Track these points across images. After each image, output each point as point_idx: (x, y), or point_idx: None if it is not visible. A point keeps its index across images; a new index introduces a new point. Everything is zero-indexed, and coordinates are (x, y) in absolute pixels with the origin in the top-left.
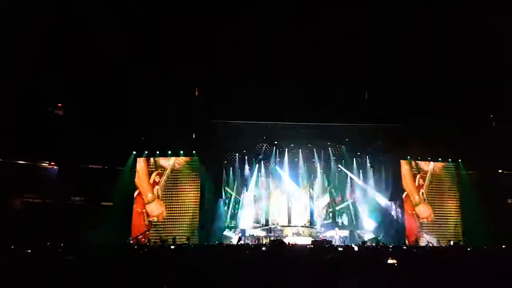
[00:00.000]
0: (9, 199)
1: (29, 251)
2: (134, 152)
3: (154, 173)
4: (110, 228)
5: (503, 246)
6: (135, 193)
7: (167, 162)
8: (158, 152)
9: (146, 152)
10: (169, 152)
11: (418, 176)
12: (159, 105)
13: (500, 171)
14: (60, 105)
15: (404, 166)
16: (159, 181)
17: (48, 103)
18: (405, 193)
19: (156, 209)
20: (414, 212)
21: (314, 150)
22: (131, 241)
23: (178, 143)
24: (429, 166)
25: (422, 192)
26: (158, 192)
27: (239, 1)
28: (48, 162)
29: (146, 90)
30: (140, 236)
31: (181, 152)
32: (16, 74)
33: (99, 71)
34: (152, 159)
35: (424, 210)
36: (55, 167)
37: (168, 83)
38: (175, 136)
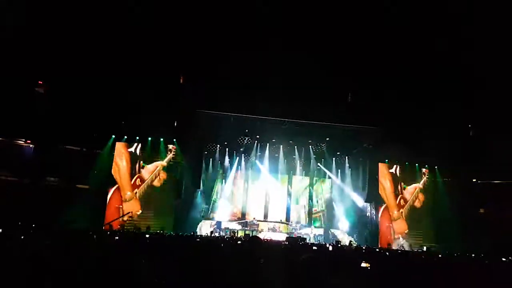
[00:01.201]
0: None
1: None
2: (113, 136)
3: (136, 176)
4: (84, 211)
5: (473, 255)
6: (114, 187)
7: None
8: (137, 138)
9: (126, 137)
10: (149, 138)
11: (399, 196)
12: (141, 90)
13: (474, 180)
14: (41, 83)
15: (383, 170)
16: (140, 184)
17: (30, 81)
18: (384, 204)
19: (132, 207)
20: (391, 224)
21: (295, 147)
22: (104, 227)
23: (159, 130)
24: (414, 190)
25: (402, 212)
26: (137, 194)
27: None
28: (24, 140)
29: (130, 74)
30: (114, 221)
31: (161, 139)
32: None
33: (84, 51)
34: (138, 163)
35: (400, 226)
36: (30, 145)
37: (154, 68)
38: (156, 122)
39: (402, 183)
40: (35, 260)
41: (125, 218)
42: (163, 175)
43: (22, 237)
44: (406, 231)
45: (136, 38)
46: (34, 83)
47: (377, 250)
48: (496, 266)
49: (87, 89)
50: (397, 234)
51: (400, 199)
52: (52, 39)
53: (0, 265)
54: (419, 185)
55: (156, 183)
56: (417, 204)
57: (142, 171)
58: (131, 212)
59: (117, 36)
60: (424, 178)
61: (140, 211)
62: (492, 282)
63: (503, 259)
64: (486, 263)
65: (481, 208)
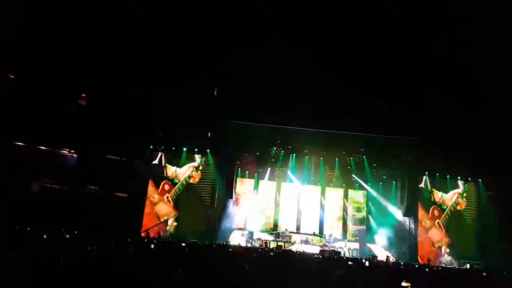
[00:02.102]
0: (28, 182)
1: (45, 236)
2: (151, 147)
3: (163, 182)
4: (123, 218)
5: None
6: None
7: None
8: (173, 148)
9: (162, 147)
10: (184, 149)
11: (432, 207)
12: (177, 102)
13: None
14: (84, 95)
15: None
16: (169, 189)
17: (74, 93)
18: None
19: (163, 209)
20: (427, 235)
21: (329, 158)
22: (142, 234)
23: (193, 141)
24: (453, 196)
25: (438, 222)
26: (169, 197)
27: None
28: (68, 149)
29: (166, 85)
30: (151, 229)
31: (196, 150)
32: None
33: (123, 62)
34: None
35: (436, 234)
36: (74, 155)
37: (188, 81)
38: (191, 133)
39: (441, 192)
40: (76, 265)
41: (162, 225)
42: (198, 175)
43: (66, 242)
44: (443, 239)
45: (172, 49)
46: (77, 95)
47: (416, 266)
48: None
49: (126, 100)
50: (437, 244)
51: (432, 210)
52: (94, 52)
53: (41, 268)
54: (459, 190)
55: (192, 181)
56: (458, 207)
57: (171, 172)
58: (167, 218)
59: (152, 47)
60: (461, 187)
61: (174, 213)
62: None
63: None
64: None
65: None
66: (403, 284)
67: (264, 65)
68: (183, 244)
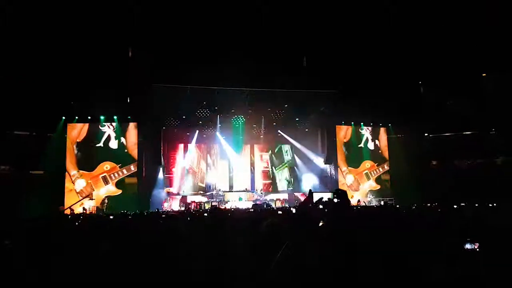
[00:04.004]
0: None
1: None
2: (64, 118)
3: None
4: (41, 199)
5: (428, 205)
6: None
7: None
8: (89, 118)
9: (77, 117)
10: (102, 117)
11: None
12: (90, 67)
13: (426, 134)
14: None
15: (339, 132)
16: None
17: None
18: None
19: (91, 189)
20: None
21: (255, 115)
22: (64, 211)
23: (111, 108)
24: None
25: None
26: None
27: None
28: None
29: (77, 49)
30: (73, 205)
31: (115, 117)
32: None
33: (22, 30)
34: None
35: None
36: None
37: (101, 42)
38: (108, 100)
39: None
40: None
41: (86, 200)
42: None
43: None
44: (362, 186)
45: (78, 8)
46: None
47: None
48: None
49: (32, 70)
50: (354, 191)
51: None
52: None
53: None
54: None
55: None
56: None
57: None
58: (91, 193)
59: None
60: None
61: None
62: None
63: (454, 206)
64: (439, 211)
65: (433, 161)
66: (321, 223)
67: (184, 23)
68: (111, 217)
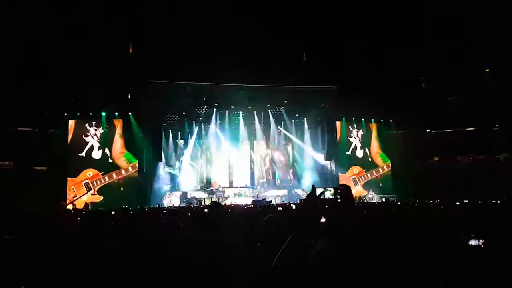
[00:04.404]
0: None
1: None
2: (66, 114)
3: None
4: (44, 194)
5: (431, 201)
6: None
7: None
8: (90, 114)
9: (78, 114)
10: (103, 114)
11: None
12: (92, 64)
13: (428, 130)
14: None
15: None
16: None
17: None
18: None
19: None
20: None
21: (254, 112)
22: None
23: (112, 104)
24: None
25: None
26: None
27: None
28: None
29: (78, 48)
30: (75, 201)
31: (116, 114)
32: None
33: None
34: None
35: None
36: None
37: (102, 39)
38: (109, 97)
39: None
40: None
41: (88, 196)
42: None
43: None
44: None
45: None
46: None
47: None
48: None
49: (34, 67)
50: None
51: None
52: None
53: None
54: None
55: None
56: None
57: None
58: (93, 189)
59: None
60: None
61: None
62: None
63: (457, 203)
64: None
65: (435, 156)
66: (322, 219)
67: (184, 21)
68: (113, 212)
